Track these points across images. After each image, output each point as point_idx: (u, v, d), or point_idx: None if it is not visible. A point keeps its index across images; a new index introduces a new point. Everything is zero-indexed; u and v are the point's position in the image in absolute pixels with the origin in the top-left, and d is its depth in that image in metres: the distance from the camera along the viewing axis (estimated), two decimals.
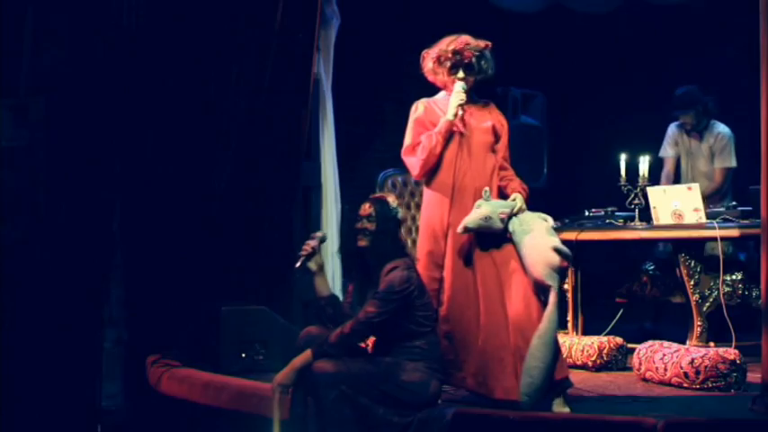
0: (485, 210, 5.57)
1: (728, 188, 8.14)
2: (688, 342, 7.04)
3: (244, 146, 7.30)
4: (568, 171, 9.86)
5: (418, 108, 5.88)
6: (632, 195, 7.49)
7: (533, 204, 7.58)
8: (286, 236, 7.48)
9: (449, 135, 5.74)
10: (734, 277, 7.09)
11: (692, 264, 7.10)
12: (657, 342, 6.51)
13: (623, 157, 7.82)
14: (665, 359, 6.29)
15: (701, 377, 6.09)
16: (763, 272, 5.42)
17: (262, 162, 7.33)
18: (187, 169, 7.22)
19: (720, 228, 6.91)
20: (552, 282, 5.44)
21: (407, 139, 5.82)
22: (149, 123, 7.24)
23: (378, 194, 5.66)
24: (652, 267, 7.67)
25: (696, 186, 7.17)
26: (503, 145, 5.88)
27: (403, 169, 8.62)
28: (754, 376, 6.03)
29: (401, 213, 5.54)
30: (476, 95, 5.92)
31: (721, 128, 8.26)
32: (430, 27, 10.06)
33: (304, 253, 5.52)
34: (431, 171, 5.76)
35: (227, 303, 6.75)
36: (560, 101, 9.78)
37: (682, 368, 6.16)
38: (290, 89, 7.42)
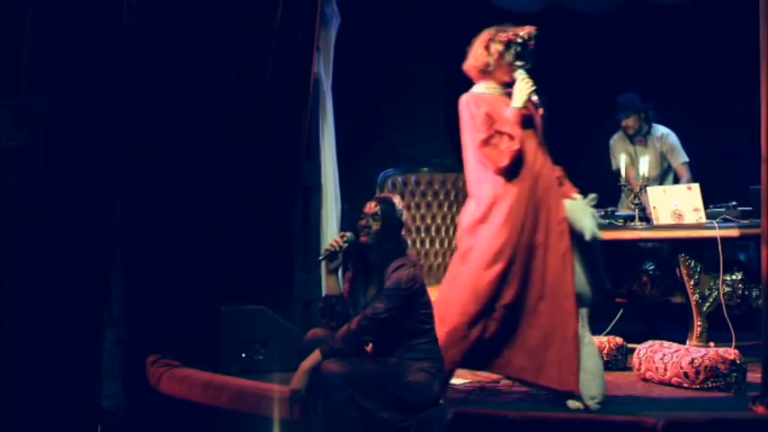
0: (594, 215, 5.73)
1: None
2: (688, 342, 7.04)
3: (244, 146, 7.30)
4: (567, 171, 9.85)
5: (480, 102, 5.72)
6: (632, 195, 7.51)
7: None
8: (286, 236, 7.48)
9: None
10: (734, 277, 7.08)
11: (692, 264, 7.10)
12: (657, 342, 6.51)
13: (623, 158, 7.84)
14: (665, 359, 6.30)
15: (701, 377, 6.09)
16: (763, 271, 5.43)
17: (262, 162, 7.33)
18: (187, 169, 7.22)
19: (720, 228, 6.91)
20: None
21: (481, 133, 5.65)
22: (149, 124, 7.24)
23: (384, 195, 5.68)
24: (652, 267, 7.67)
25: (696, 186, 7.17)
26: None
27: (403, 169, 8.67)
28: (754, 376, 6.03)
29: (405, 215, 5.56)
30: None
31: (663, 129, 8.33)
32: (430, 27, 10.15)
33: (329, 248, 5.56)
34: (516, 164, 5.63)
35: (227, 303, 6.76)
36: (560, 101, 9.78)
37: (682, 368, 6.16)
38: (290, 89, 7.42)
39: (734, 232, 6.92)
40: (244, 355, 6.60)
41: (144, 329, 7.15)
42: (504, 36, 5.73)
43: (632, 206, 7.47)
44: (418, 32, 10.19)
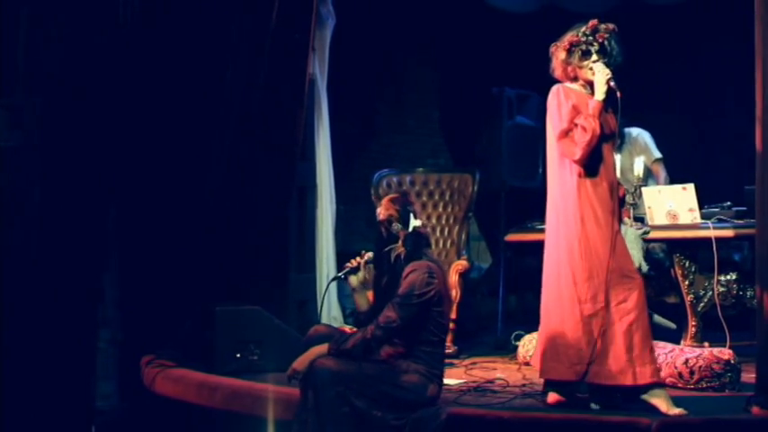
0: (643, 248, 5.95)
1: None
2: (682, 342, 7.05)
3: (239, 146, 7.30)
4: None
5: (569, 94, 5.64)
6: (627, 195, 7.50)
7: (530, 204, 7.62)
8: (281, 236, 7.47)
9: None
10: (728, 277, 7.09)
11: (687, 264, 7.11)
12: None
13: (618, 158, 7.83)
14: (659, 359, 6.28)
15: (696, 377, 6.10)
16: (757, 272, 5.43)
17: (257, 162, 7.33)
18: (182, 169, 7.22)
19: (715, 228, 6.91)
20: None
21: (562, 124, 5.57)
22: (144, 123, 7.23)
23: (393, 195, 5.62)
24: (647, 268, 7.67)
25: (691, 187, 7.17)
26: None
27: (398, 169, 8.67)
28: (748, 376, 6.03)
29: (384, 214, 5.50)
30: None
31: (635, 130, 8.23)
32: (425, 27, 10.16)
33: (349, 266, 5.53)
34: (591, 156, 5.54)
35: (222, 303, 6.75)
36: None
37: (676, 368, 6.16)
38: (286, 89, 7.42)
39: (728, 232, 6.93)
40: (238, 355, 6.59)
41: (138, 330, 7.15)
42: (565, 42, 5.70)
43: (628, 206, 7.47)
44: (413, 32, 10.20)
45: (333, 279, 6.03)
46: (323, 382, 5.07)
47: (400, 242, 5.38)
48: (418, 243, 5.42)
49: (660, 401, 5.36)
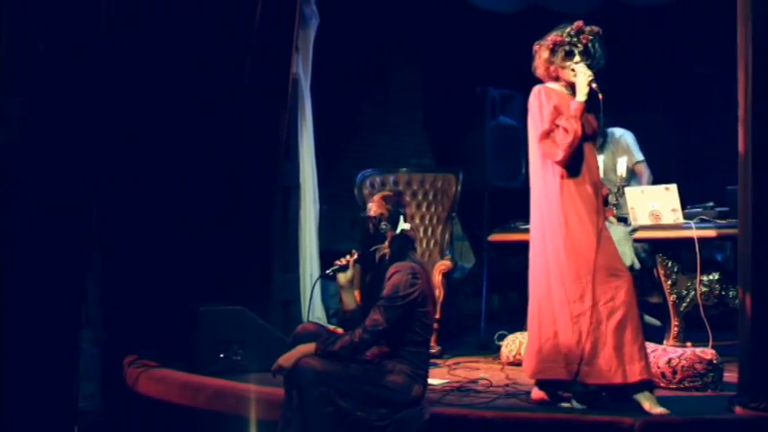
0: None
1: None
2: (665, 342, 7.06)
3: (222, 146, 7.29)
4: None
5: (551, 94, 5.63)
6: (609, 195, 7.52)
7: (513, 204, 7.61)
8: (264, 236, 7.47)
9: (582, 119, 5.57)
10: (711, 277, 7.11)
11: (670, 264, 7.13)
12: None
13: (601, 158, 7.84)
14: None
15: (678, 377, 6.11)
16: (739, 272, 5.45)
17: (240, 162, 7.32)
18: (165, 169, 7.21)
19: (698, 228, 6.93)
20: None
21: (544, 125, 5.57)
22: (128, 123, 7.21)
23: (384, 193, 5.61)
24: (639, 265, 7.69)
25: (674, 187, 7.18)
26: None
27: (381, 169, 8.66)
28: (730, 376, 6.05)
29: (374, 212, 5.49)
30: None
31: (618, 131, 8.25)
32: (409, 27, 10.16)
33: (338, 264, 5.52)
34: (573, 157, 5.54)
35: (205, 303, 6.74)
36: None
37: (659, 368, 6.17)
38: (269, 89, 7.41)
39: (711, 233, 6.94)
40: (222, 355, 6.58)
41: (121, 330, 7.13)
42: (549, 41, 5.70)
43: (611, 206, 7.48)
44: (397, 32, 10.20)
45: (321, 276, 6.02)
46: (308, 381, 5.07)
47: (386, 243, 5.39)
48: (404, 245, 5.44)
49: (645, 400, 5.37)
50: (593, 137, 5.68)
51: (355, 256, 5.51)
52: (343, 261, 5.52)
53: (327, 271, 5.62)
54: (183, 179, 7.22)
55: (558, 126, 5.53)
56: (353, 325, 5.32)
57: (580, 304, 5.46)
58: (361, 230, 5.52)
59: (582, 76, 5.58)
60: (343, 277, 5.53)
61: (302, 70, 8.09)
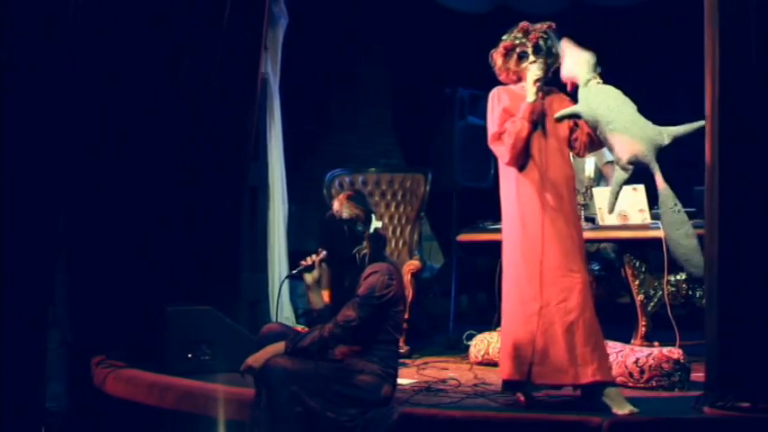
0: None
1: None
2: (633, 341, 7.09)
3: (191, 146, 7.26)
4: None
5: (502, 96, 5.66)
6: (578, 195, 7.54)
7: (482, 204, 7.62)
8: (233, 236, 7.45)
9: (533, 120, 5.56)
10: (678, 277, 7.14)
11: (637, 264, 7.16)
12: None
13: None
14: (609, 358, 6.32)
15: (646, 376, 6.14)
16: (706, 271, 5.47)
17: (208, 162, 7.30)
18: (133, 169, 7.18)
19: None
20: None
21: (494, 127, 5.61)
22: (95, 123, 7.18)
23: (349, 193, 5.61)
24: (597, 268, 7.71)
25: (641, 188, 7.20)
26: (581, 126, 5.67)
27: (350, 169, 8.66)
28: (697, 375, 6.08)
29: (347, 213, 5.49)
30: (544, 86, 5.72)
31: None
32: (377, 27, 10.16)
33: (304, 264, 5.52)
34: (521, 158, 5.56)
35: (173, 303, 6.72)
36: None
37: (626, 367, 6.20)
38: (238, 88, 7.39)
39: None
40: (190, 355, 6.56)
41: (89, 330, 7.10)
42: (500, 47, 5.71)
43: (579, 207, 7.50)
44: (366, 32, 10.20)
45: (287, 276, 6.02)
46: (277, 380, 5.07)
47: (366, 243, 5.40)
48: (380, 245, 5.48)
49: (611, 400, 5.39)
50: (558, 136, 5.67)
51: (321, 256, 5.52)
52: (309, 261, 5.53)
53: (293, 271, 5.63)
54: (150, 179, 7.19)
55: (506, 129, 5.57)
56: (321, 324, 5.33)
57: (533, 304, 5.48)
58: (328, 231, 5.51)
59: (530, 75, 5.59)
60: (309, 277, 5.54)
61: (271, 70, 8.08)
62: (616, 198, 5.45)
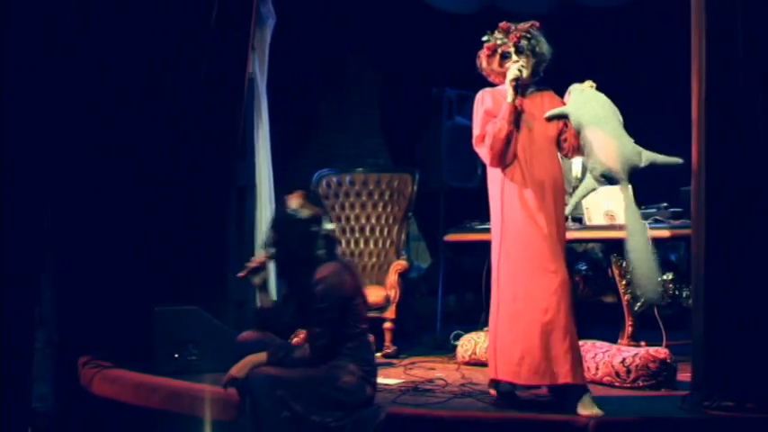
0: None
1: None
2: (619, 341, 7.10)
3: (178, 145, 7.25)
4: None
5: (485, 99, 5.67)
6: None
7: (469, 204, 7.62)
8: (220, 236, 7.44)
9: (514, 120, 5.55)
10: (665, 277, 7.15)
11: (624, 264, 7.16)
12: (589, 342, 6.55)
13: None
14: (596, 358, 6.34)
15: (632, 376, 6.15)
16: (693, 272, 5.49)
17: (195, 161, 7.29)
18: (120, 168, 7.16)
19: (651, 228, 6.97)
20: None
21: (476, 130, 5.63)
22: (82, 122, 7.16)
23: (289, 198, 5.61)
24: (585, 268, 7.73)
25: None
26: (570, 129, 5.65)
27: (338, 169, 8.66)
28: (684, 375, 6.10)
29: (306, 213, 5.47)
30: (535, 86, 5.75)
31: None
32: (366, 27, 10.16)
33: (251, 265, 5.53)
34: (502, 159, 5.55)
35: (160, 303, 6.71)
36: None
37: (613, 367, 6.21)
38: (225, 88, 7.38)
39: (665, 233, 6.98)
40: (177, 355, 6.56)
41: (75, 330, 7.08)
42: (484, 50, 5.72)
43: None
44: (354, 32, 10.20)
45: (237, 277, 5.96)
46: (261, 387, 5.09)
47: (321, 243, 5.40)
48: (332, 245, 5.48)
49: (579, 402, 5.39)
50: (552, 136, 5.67)
51: (269, 254, 5.53)
52: (256, 262, 5.55)
53: (240, 273, 5.62)
54: (137, 179, 7.17)
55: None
56: (272, 323, 5.47)
57: (514, 304, 5.50)
58: (284, 229, 5.47)
59: (507, 76, 5.59)
60: (257, 278, 5.57)
61: (258, 70, 8.07)
62: (577, 203, 5.50)
